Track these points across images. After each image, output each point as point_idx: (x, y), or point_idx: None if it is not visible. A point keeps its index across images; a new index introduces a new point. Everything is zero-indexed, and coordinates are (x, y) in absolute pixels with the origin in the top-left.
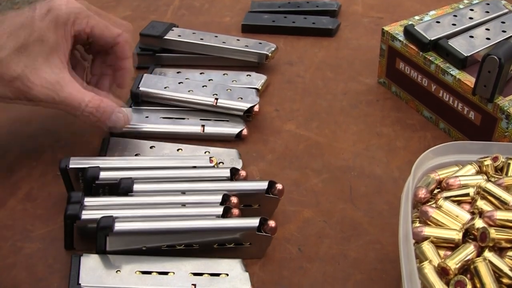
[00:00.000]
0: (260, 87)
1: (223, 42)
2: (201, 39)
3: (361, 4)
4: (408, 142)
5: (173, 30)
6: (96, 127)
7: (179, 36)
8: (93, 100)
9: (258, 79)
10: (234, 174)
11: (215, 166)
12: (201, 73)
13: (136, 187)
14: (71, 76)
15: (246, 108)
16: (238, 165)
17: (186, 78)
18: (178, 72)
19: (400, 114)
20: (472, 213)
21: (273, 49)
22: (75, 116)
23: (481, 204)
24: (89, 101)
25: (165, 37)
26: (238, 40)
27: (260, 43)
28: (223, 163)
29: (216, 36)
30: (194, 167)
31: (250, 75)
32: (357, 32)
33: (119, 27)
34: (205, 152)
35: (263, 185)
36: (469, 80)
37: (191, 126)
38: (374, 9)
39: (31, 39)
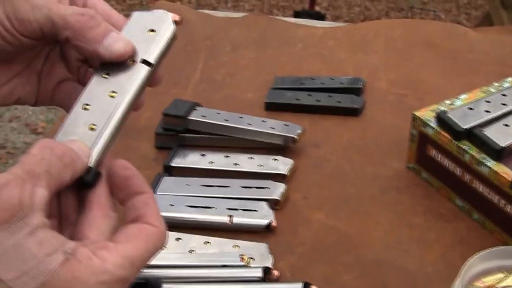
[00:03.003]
0: (287, 173)
1: (249, 124)
2: (226, 120)
3: (385, 80)
4: (441, 234)
5: (196, 109)
6: None
7: (203, 116)
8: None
9: (285, 164)
10: (266, 273)
11: (246, 265)
12: (226, 156)
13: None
14: None
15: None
16: (269, 261)
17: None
18: (202, 155)
19: (431, 203)
20: None
21: (299, 131)
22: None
23: None
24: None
25: (189, 117)
26: (263, 121)
27: (287, 125)
28: (253, 258)
29: (241, 117)
30: (225, 266)
31: (276, 159)
32: (382, 110)
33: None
34: (233, 246)
35: (297, 287)
36: (506, 172)
37: (218, 216)
38: (398, 86)
39: None
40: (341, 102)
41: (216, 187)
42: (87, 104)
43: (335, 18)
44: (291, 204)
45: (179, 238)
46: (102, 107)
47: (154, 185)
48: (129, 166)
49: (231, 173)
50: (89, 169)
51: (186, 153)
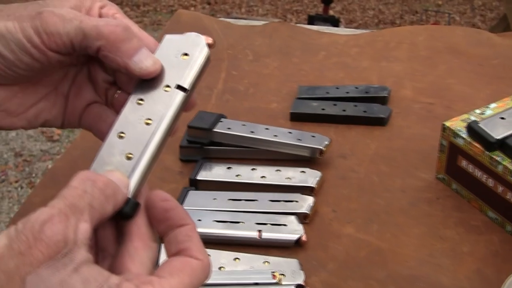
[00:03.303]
0: (315, 186)
1: (275, 136)
2: (252, 132)
3: (410, 89)
4: (474, 247)
5: (221, 121)
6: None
7: (229, 128)
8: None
9: (312, 176)
10: None
11: (278, 282)
12: (252, 169)
13: None
14: None
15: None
16: (300, 278)
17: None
18: (228, 168)
19: (462, 215)
20: None
21: (326, 143)
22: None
23: None
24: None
25: (215, 130)
26: (290, 132)
27: (313, 136)
28: (284, 275)
29: (267, 129)
30: (256, 284)
31: (304, 172)
32: (408, 119)
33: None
34: (263, 262)
35: None
36: None
37: (247, 231)
38: (424, 94)
39: None
40: (367, 112)
41: (244, 201)
42: (122, 132)
43: (349, 22)
44: (320, 218)
45: (208, 255)
46: (137, 135)
47: (181, 200)
48: (168, 197)
49: (258, 186)
50: (127, 200)
51: (211, 166)
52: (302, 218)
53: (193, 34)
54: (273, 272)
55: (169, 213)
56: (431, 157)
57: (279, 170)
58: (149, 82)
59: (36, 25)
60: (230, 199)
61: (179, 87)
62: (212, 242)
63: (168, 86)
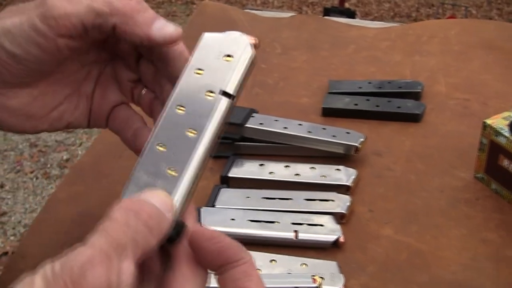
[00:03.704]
0: (351, 184)
1: (309, 132)
2: (285, 127)
3: (444, 84)
4: None
5: (253, 116)
6: None
7: (261, 124)
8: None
9: (348, 174)
10: None
11: (319, 287)
12: (286, 166)
13: None
14: None
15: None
16: (340, 281)
17: (264, 197)
18: (261, 165)
19: (504, 216)
20: None
21: (362, 139)
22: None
23: None
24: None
25: (247, 125)
26: (324, 129)
27: (348, 133)
28: (323, 278)
29: (300, 124)
30: None
31: (339, 169)
32: (443, 116)
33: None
34: (301, 265)
35: None
36: None
37: (283, 231)
38: (459, 90)
39: None
40: (401, 108)
41: (278, 200)
42: (162, 144)
43: (365, 15)
44: (356, 218)
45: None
46: (180, 147)
47: (213, 198)
48: (214, 235)
49: (292, 184)
50: (172, 223)
51: (243, 162)
52: (339, 218)
53: (236, 33)
54: (313, 275)
55: (220, 252)
56: (468, 155)
57: (313, 167)
58: (189, 86)
59: (41, 12)
60: (263, 198)
61: (224, 93)
62: (247, 243)
63: (211, 91)
